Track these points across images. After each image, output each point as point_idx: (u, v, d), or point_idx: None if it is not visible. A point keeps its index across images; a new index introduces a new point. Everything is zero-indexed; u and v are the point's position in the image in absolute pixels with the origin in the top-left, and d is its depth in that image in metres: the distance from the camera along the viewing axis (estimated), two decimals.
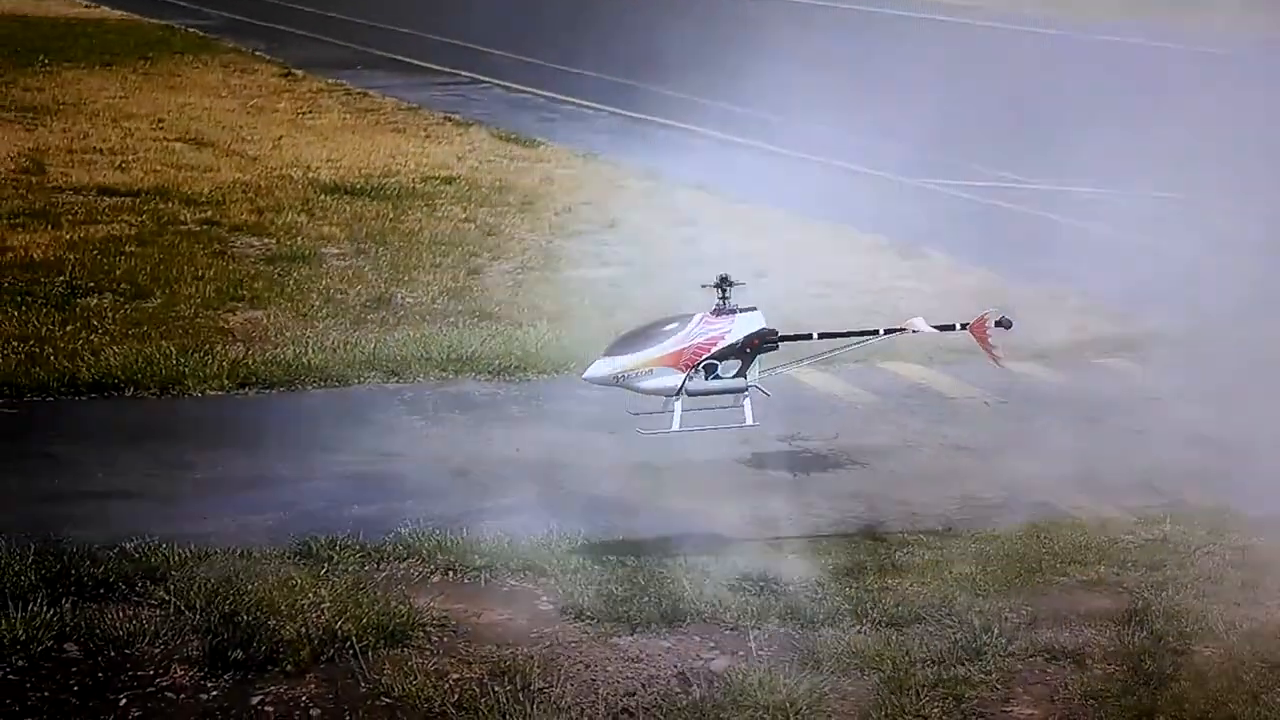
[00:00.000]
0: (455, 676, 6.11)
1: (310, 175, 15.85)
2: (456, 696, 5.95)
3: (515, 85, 23.19)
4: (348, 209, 14.37)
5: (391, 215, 14.14)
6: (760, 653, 6.39)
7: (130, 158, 16.37)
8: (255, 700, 5.89)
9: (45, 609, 6.29)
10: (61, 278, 11.43)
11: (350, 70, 23.98)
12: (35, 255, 12.11)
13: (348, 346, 10.05)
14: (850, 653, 6.33)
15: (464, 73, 24.52)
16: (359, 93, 21.91)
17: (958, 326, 7.30)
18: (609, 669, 6.26)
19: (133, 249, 12.43)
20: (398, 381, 9.66)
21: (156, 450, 8.32)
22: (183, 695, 5.89)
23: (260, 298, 11.24)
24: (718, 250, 11.89)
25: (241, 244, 12.93)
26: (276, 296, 11.27)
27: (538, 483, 8.02)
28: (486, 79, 23.91)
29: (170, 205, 14.20)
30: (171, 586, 6.63)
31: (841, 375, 10.02)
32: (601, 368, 7.08)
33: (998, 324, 7.27)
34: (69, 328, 10.23)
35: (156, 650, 6.17)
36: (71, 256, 12.07)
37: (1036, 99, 17.79)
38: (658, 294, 10.26)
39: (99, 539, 7.01)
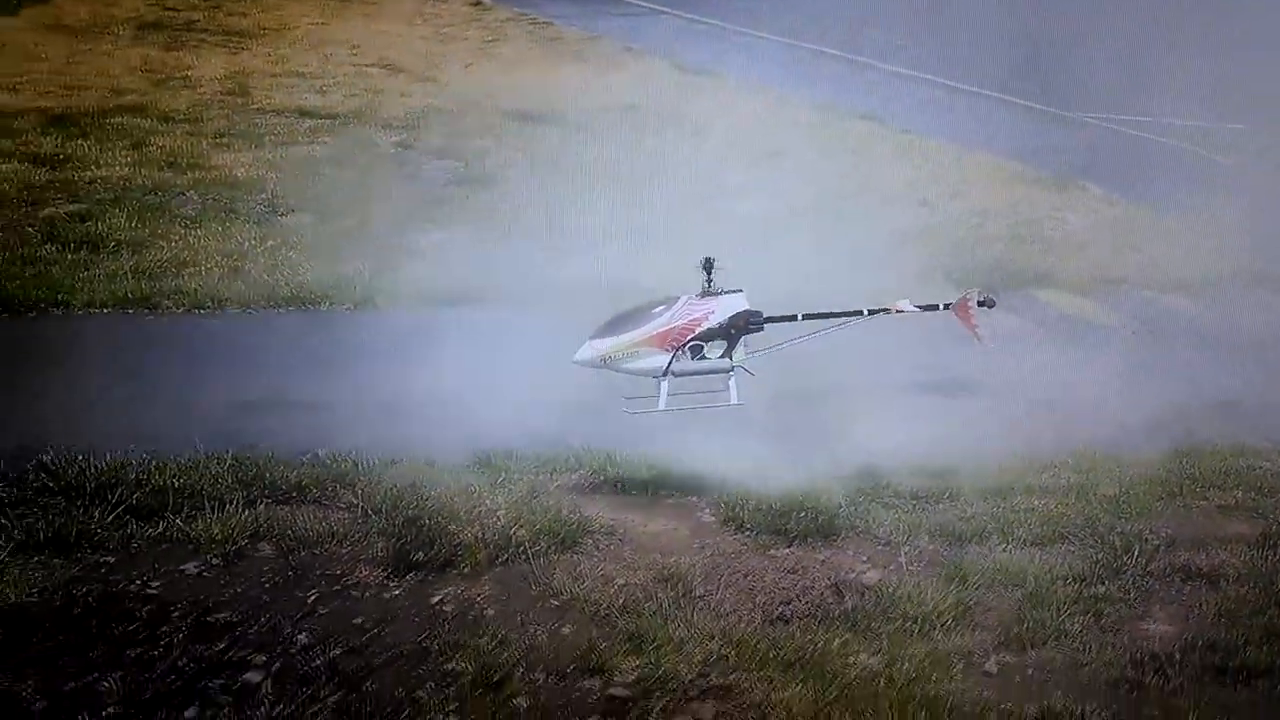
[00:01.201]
0: (621, 581, 6.25)
1: (496, 102, 15.99)
2: (622, 600, 6.11)
3: (694, 17, 23.05)
4: (530, 135, 14.50)
5: (571, 141, 14.21)
6: (910, 567, 6.43)
7: (329, 82, 16.66)
8: (435, 599, 6.08)
9: (241, 511, 6.57)
10: (263, 195, 11.70)
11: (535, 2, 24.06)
12: (239, 174, 12.42)
13: (525, 269, 10.17)
14: (995, 569, 6.34)
15: (644, 3, 24.44)
16: (544, 22, 21.99)
17: (941, 307, 7.20)
18: (766, 578, 6.35)
19: (329, 170, 12.67)
20: None
21: (347, 365, 8.52)
22: (367, 593, 6.11)
23: (448, 220, 11.38)
24: (882, 179, 11.80)
25: (432, 167, 13.10)
26: (463, 219, 11.40)
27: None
28: (666, 9, 23.80)
29: (366, 129, 14.45)
30: (360, 491, 6.85)
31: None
32: (588, 351, 7.09)
33: (981, 304, 7.17)
34: (269, 243, 10.49)
35: (344, 551, 6.39)
36: (272, 176, 12.35)
37: (1198, 38, 17.22)
38: (817, 228, 10.22)
39: (293, 446, 7.27)
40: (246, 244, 10.41)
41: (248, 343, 8.73)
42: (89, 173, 11.99)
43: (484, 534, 6.49)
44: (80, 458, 6.80)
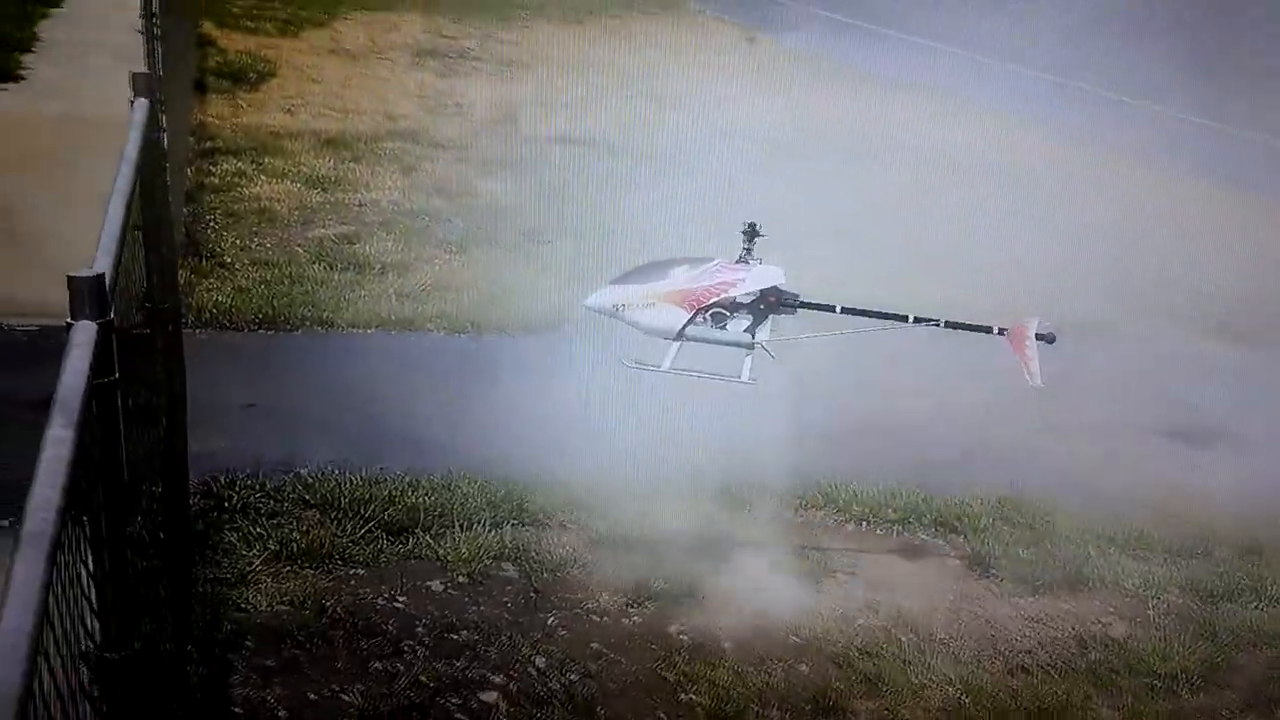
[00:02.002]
0: (861, 622, 6.29)
1: (755, 130, 16.16)
2: (861, 641, 6.15)
3: (951, 48, 22.91)
4: (787, 164, 14.64)
5: (837, 170, 14.28)
6: (1159, 621, 6.34)
7: (593, 111, 17.09)
8: (672, 629, 6.23)
9: (488, 531, 6.83)
10: (525, 223, 12.07)
11: (805, 32, 24.20)
12: (504, 201, 12.84)
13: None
14: (1247, 627, 6.21)
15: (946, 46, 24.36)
16: (818, 55, 22.10)
17: (995, 330, 6.55)
18: (1009, 627, 6.33)
19: (589, 198, 12.99)
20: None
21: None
22: (606, 619, 6.29)
23: (706, 247, 11.39)
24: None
25: (688, 193, 13.30)
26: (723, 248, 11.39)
27: (960, 432, 7.98)
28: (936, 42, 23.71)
29: (619, 159, 14.80)
30: (603, 518, 7.03)
31: None
32: (604, 296, 6.62)
33: (1039, 337, 6.44)
34: (529, 270, 10.84)
35: (586, 577, 6.58)
36: (535, 204, 12.72)
37: None
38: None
39: (541, 470, 7.47)
40: (507, 271, 10.78)
41: (505, 365, 8.97)
42: (359, 195, 12.59)
43: (729, 564, 6.60)
44: (336, 472, 7.18)
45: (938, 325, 6.58)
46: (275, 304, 9.50)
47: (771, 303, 6.61)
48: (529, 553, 6.70)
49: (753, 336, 6.62)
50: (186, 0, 17.25)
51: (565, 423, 7.83)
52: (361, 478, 7.14)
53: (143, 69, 5.54)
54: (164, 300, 4.67)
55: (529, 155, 14.70)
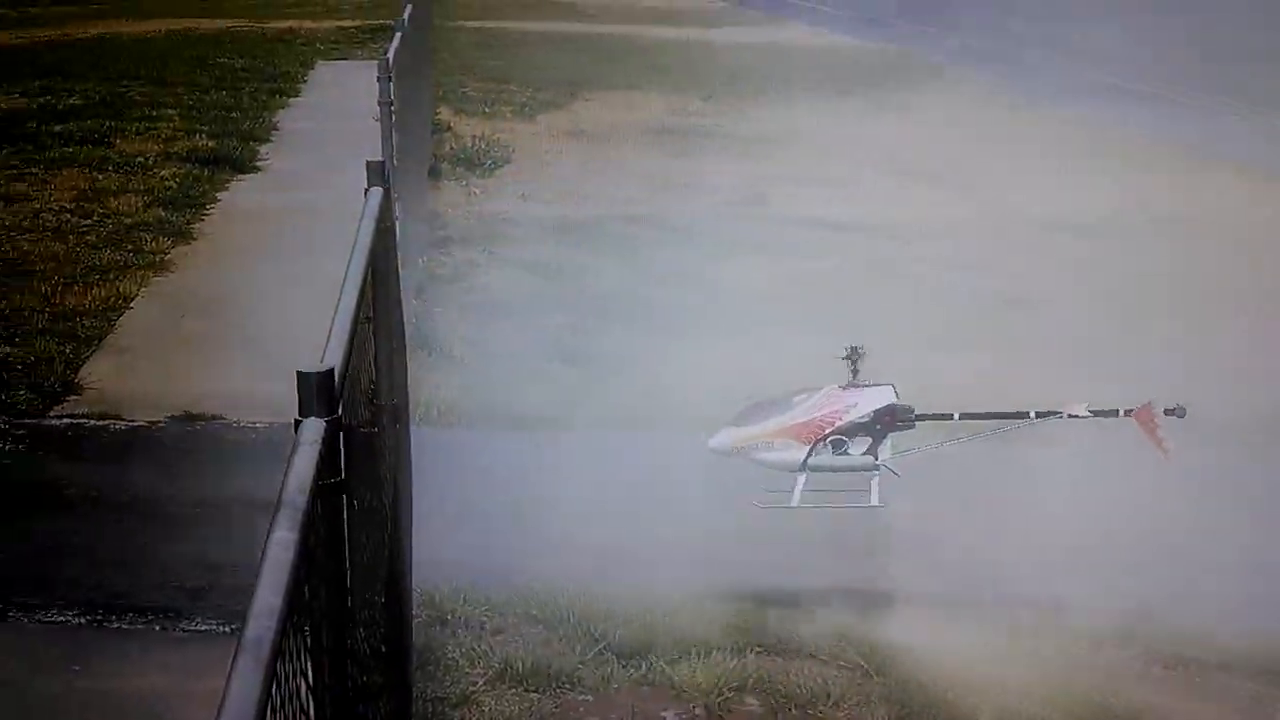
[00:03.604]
0: None
1: (1035, 212, 15.98)
2: None
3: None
4: (1075, 250, 14.45)
5: (1122, 256, 14.04)
6: None
7: (852, 191, 17.12)
8: None
9: (729, 659, 6.78)
10: (781, 310, 11.95)
11: (1094, 98, 23.88)
12: (758, 286, 12.84)
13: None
14: None
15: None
16: (1104, 127, 21.79)
17: (1121, 413, 7.16)
18: None
19: (850, 285, 12.94)
20: None
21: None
22: None
23: (984, 343, 11.05)
24: None
25: (962, 284, 13.19)
26: (1001, 343, 11.09)
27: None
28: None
29: (885, 242, 14.77)
30: (861, 648, 6.91)
31: None
32: (725, 437, 7.32)
33: (1168, 412, 7.09)
34: (782, 364, 10.69)
35: (840, 714, 6.46)
36: (791, 291, 12.70)
37: None
38: None
39: (796, 590, 7.43)
40: (759, 362, 10.66)
41: (752, 473, 8.97)
42: (590, 283, 12.82)
43: (1003, 713, 6.43)
44: (567, 587, 7.25)
45: (1060, 418, 7.25)
46: (504, 400, 9.69)
47: (888, 421, 7.26)
48: (776, 685, 6.63)
49: (876, 458, 7.26)
50: (424, 89, 17.89)
51: (846, 538, 7.77)
52: (593, 593, 7.20)
53: (378, 157, 5.77)
54: (392, 396, 4.82)
55: (780, 238, 14.76)
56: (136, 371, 10.11)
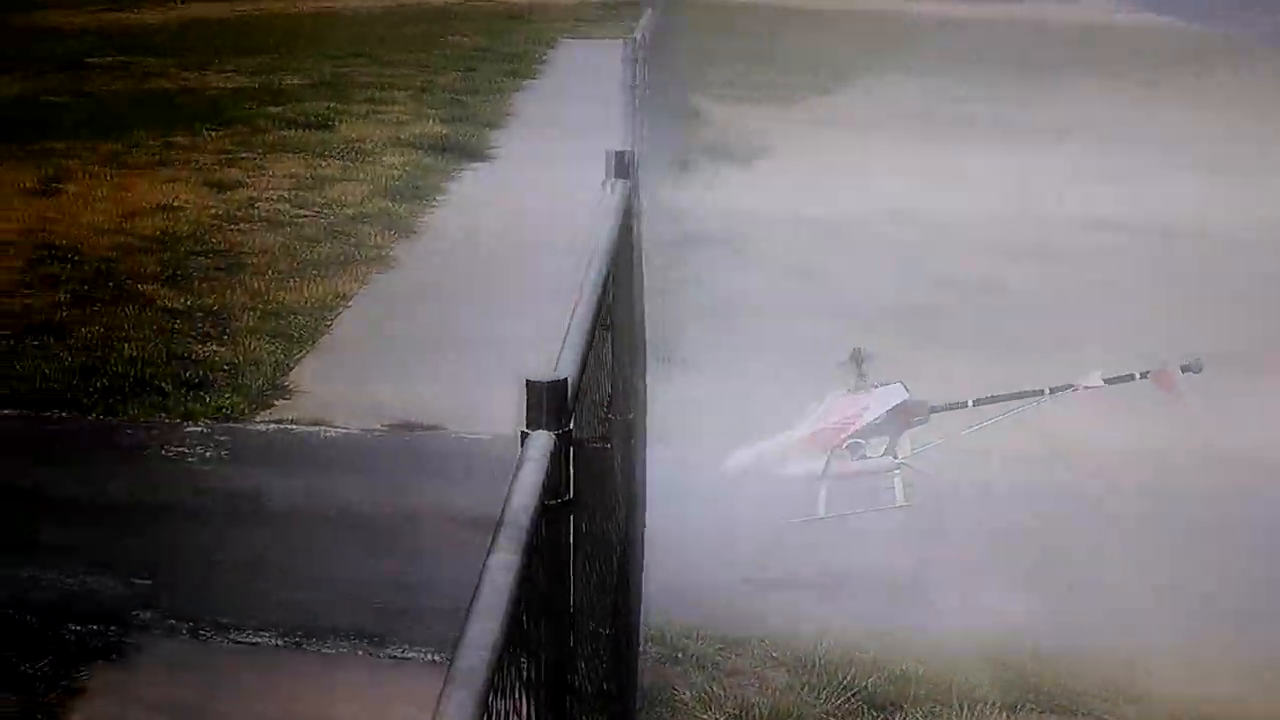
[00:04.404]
0: None
1: None
2: None
3: None
4: None
5: None
6: None
7: (1139, 188, 16.76)
8: None
9: (997, 715, 6.67)
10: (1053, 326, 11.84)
11: None
12: (1026, 299, 12.67)
13: None
14: None
15: None
16: None
17: (1137, 376, 7.87)
18: None
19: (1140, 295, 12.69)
20: None
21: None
22: None
23: None
24: None
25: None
26: None
27: None
28: None
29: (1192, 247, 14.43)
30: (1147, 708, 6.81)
31: None
32: (741, 457, 7.95)
33: (1185, 369, 7.80)
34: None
35: None
36: (1068, 301, 12.48)
37: None
38: None
39: (1064, 637, 7.35)
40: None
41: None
42: (847, 285, 12.77)
43: None
44: (814, 627, 7.22)
45: (1075, 390, 7.93)
46: (749, 418, 9.68)
47: (902, 419, 7.88)
48: None
49: (895, 457, 7.88)
50: (674, 71, 18.03)
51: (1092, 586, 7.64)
52: (844, 636, 7.17)
53: (621, 146, 5.81)
54: (627, 410, 4.86)
55: (1067, 242, 14.53)
56: (351, 375, 10.34)
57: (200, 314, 11.43)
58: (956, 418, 8.19)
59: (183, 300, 11.73)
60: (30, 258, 12.84)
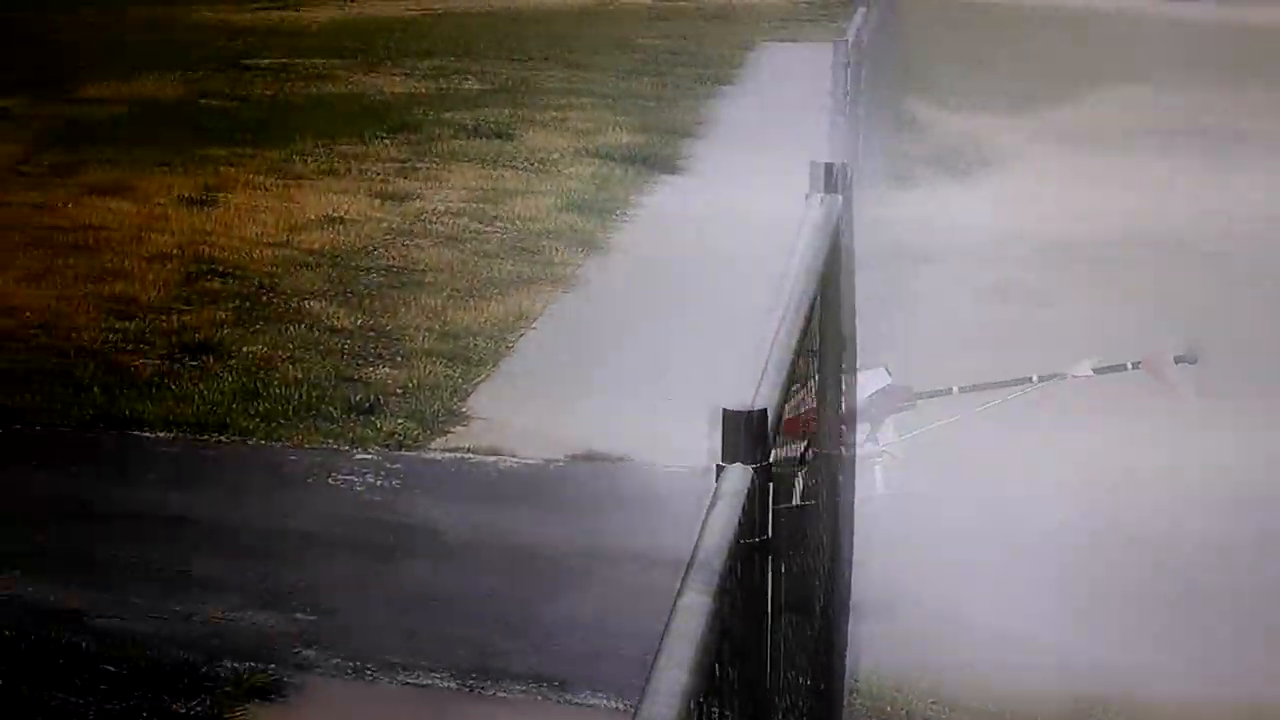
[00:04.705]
0: None
1: None
2: None
3: None
4: None
5: None
6: None
7: None
8: None
9: None
10: None
11: None
12: None
13: None
14: None
15: None
16: None
17: (1129, 366, 8.30)
18: None
19: None
20: None
21: None
22: None
23: None
24: None
25: None
26: None
27: None
28: None
29: None
30: None
31: None
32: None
33: (1179, 359, 8.19)
34: None
35: None
36: None
37: None
38: None
39: None
40: None
41: None
42: (1082, 320, 12.66)
43: None
44: (1040, 685, 7.20)
45: (1064, 379, 8.34)
46: (960, 454, 9.65)
47: (885, 405, 8.12)
48: None
49: (877, 443, 8.07)
50: (888, 76, 18.01)
51: None
52: (1069, 694, 7.13)
53: (828, 157, 5.83)
54: (833, 444, 4.88)
55: None
56: (534, 401, 10.45)
57: (370, 334, 11.65)
58: (941, 404, 8.53)
59: (351, 319, 11.96)
60: (188, 272, 13.16)
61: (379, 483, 9.16)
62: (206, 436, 9.72)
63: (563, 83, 22.85)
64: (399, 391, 10.48)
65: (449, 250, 14.03)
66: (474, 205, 15.65)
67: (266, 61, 24.67)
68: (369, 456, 9.47)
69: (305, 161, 17.39)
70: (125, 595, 7.81)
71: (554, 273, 13.45)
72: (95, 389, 10.41)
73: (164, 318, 11.94)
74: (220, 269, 13.26)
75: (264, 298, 12.49)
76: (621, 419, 10.00)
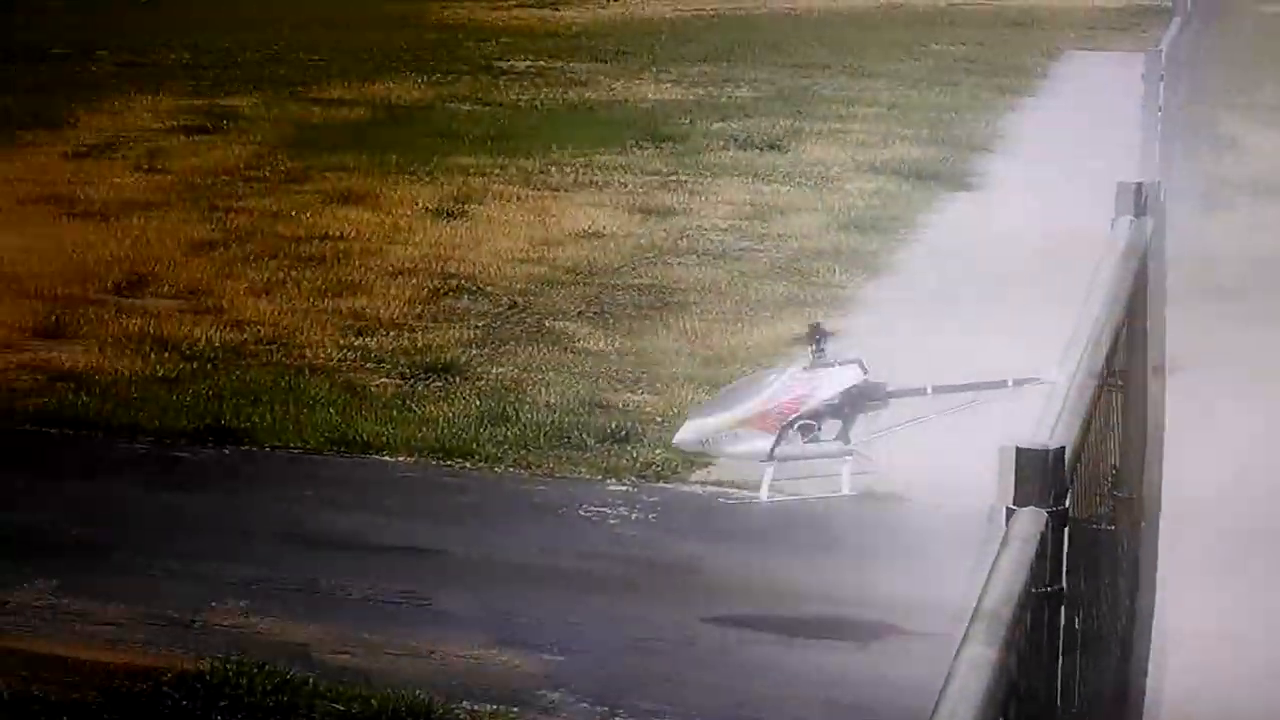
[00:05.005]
0: None
1: None
2: None
3: None
4: None
5: None
6: None
7: None
8: None
9: None
10: None
11: None
12: None
13: None
14: None
15: None
16: None
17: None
18: None
19: None
20: None
21: None
22: None
23: None
24: None
25: None
26: None
27: None
28: None
29: None
30: None
31: None
32: (689, 430, 8.47)
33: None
34: None
35: None
36: None
37: None
38: None
39: None
40: None
41: None
42: None
43: None
44: None
45: (1039, 384, 7.94)
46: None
47: (857, 402, 8.38)
48: None
49: (847, 442, 8.38)
50: (1206, 91, 17.74)
51: None
52: None
53: (1137, 177, 5.81)
54: (1135, 487, 4.85)
55: None
56: None
57: (626, 357, 11.80)
58: (915, 404, 8.70)
59: (606, 341, 12.12)
60: (431, 288, 13.42)
61: (634, 516, 9.30)
62: (450, 462, 9.91)
63: (843, 91, 22.87)
64: (657, 420, 10.57)
65: (713, 269, 14.12)
66: (741, 222, 15.74)
67: (523, 65, 25.02)
68: (623, 488, 9.63)
69: (560, 172, 17.62)
70: (358, 630, 7.99)
71: (826, 295, 13.47)
72: (330, 409, 10.66)
73: (405, 336, 12.17)
74: (466, 285, 13.49)
75: (512, 316, 12.70)
76: (903, 456, 9.97)
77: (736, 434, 8.41)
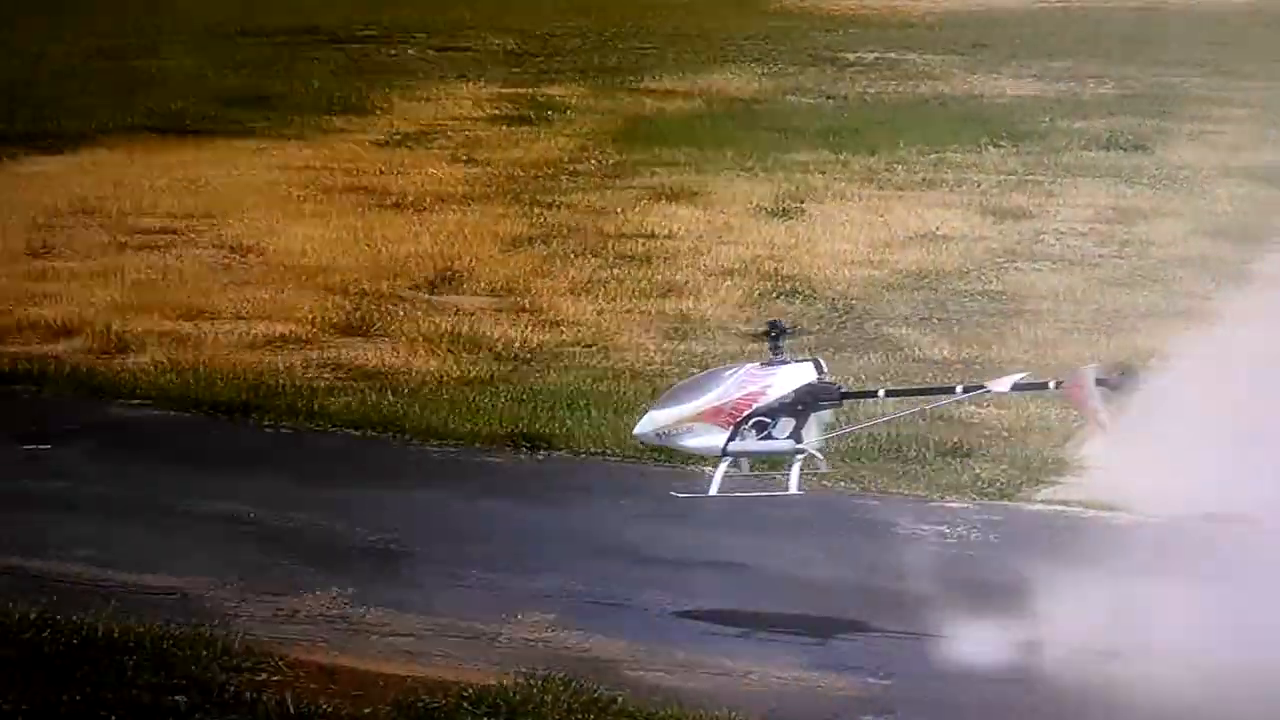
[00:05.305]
0: None
1: None
2: None
3: None
4: None
5: None
6: None
7: None
8: None
9: None
10: None
11: None
12: None
13: None
14: None
15: None
16: None
17: (1052, 385, 8.57)
18: None
19: None
20: None
21: None
22: None
23: None
24: None
25: None
26: None
27: None
28: None
29: None
30: None
31: None
32: (646, 422, 8.77)
33: (1100, 382, 8.22)
34: None
35: None
36: None
37: None
38: None
39: None
40: None
41: None
42: None
43: None
44: None
45: (986, 393, 8.80)
46: None
47: (810, 401, 8.63)
48: None
49: (799, 440, 8.61)
50: None
51: None
52: None
53: None
54: None
55: None
56: (1156, 451, 10.22)
57: (967, 366, 11.71)
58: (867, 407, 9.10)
59: (945, 349, 12.10)
60: (760, 291, 13.44)
61: (973, 535, 9.25)
62: (775, 475, 9.86)
63: (1215, 91, 22.56)
64: (1004, 434, 10.52)
65: (1065, 275, 14.01)
66: (1098, 226, 15.63)
67: (870, 56, 24.99)
68: (962, 505, 9.58)
69: (906, 170, 17.62)
70: (668, 647, 8.00)
71: (1182, 305, 13.29)
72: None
73: (731, 340, 12.15)
74: (798, 288, 13.49)
75: (844, 321, 12.65)
76: (1260, 477, 9.74)
77: (692, 428, 8.70)
